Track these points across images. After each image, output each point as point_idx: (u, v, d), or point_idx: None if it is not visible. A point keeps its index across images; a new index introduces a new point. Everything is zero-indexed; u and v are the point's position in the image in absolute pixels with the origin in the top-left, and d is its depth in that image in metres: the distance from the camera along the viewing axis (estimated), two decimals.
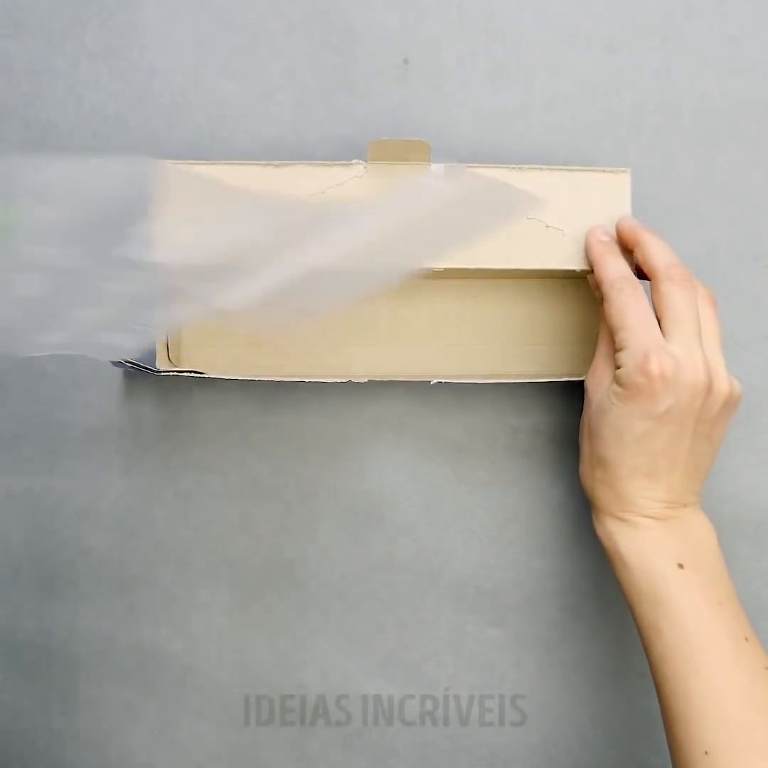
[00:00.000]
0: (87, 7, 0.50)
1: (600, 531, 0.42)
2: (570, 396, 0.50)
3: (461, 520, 0.50)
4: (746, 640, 0.38)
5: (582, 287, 0.49)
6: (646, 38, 0.49)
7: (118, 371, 0.50)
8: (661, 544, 0.40)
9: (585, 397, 0.43)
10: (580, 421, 0.45)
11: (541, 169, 0.45)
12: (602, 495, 0.42)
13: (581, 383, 0.45)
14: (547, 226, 0.45)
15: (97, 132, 0.50)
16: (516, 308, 0.50)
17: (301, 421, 0.50)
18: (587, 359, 0.49)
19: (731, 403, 0.41)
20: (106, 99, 0.50)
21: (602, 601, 0.50)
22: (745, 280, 0.49)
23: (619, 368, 0.40)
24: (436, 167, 0.45)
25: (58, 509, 0.51)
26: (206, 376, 0.46)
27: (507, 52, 0.49)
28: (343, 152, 0.50)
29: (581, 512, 0.50)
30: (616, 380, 0.40)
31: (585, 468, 0.43)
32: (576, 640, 0.50)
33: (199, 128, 0.50)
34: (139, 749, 0.51)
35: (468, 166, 0.44)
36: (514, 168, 0.45)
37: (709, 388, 0.40)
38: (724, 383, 0.41)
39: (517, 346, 0.50)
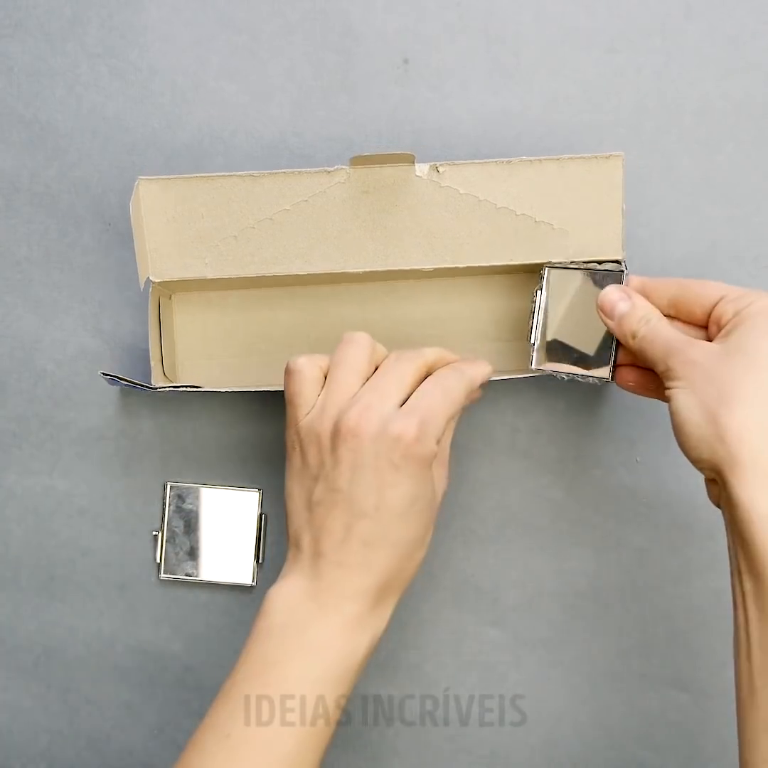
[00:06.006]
0: (87, 7, 0.50)
1: (752, 501, 0.35)
2: (570, 396, 0.50)
3: (461, 520, 0.50)
4: None
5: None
6: (646, 38, 0.49)
7: (118, 371, 0.50)
8: None
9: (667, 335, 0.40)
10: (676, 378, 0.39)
11: (531, 161, 0.44)
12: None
13: (581, 382, 0.45)
14: (536, 221, 0.45)
15: (97, 132, 0.50)
16: (508, 303, 0.50)
17: None
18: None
19: None
20: (106, 99, 0.50)
21: (602, 601, 0.50)
22: (745, 280, 0.49)
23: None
24: (420, 168, 0.44)
25: (58, 509, 0.51)
26: (202, 389, 0.45)
27: (507, 52, 0.49)
28: (343, 152, 0.50)
29: (581, 512, 0.50)
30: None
31: (746, 417, 0.36)
32: (576, 640, 0.50)
33: (199, 128, 0.50)
34: (139, 749, 0.51)
35: (454, 163, 0.44)
36: (502, 162, 0.44)
37: None
38: None
39: (510, 342, 0.50)
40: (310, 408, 0.40)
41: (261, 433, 0.51)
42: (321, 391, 0.41)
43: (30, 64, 0.50)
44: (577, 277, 0.45)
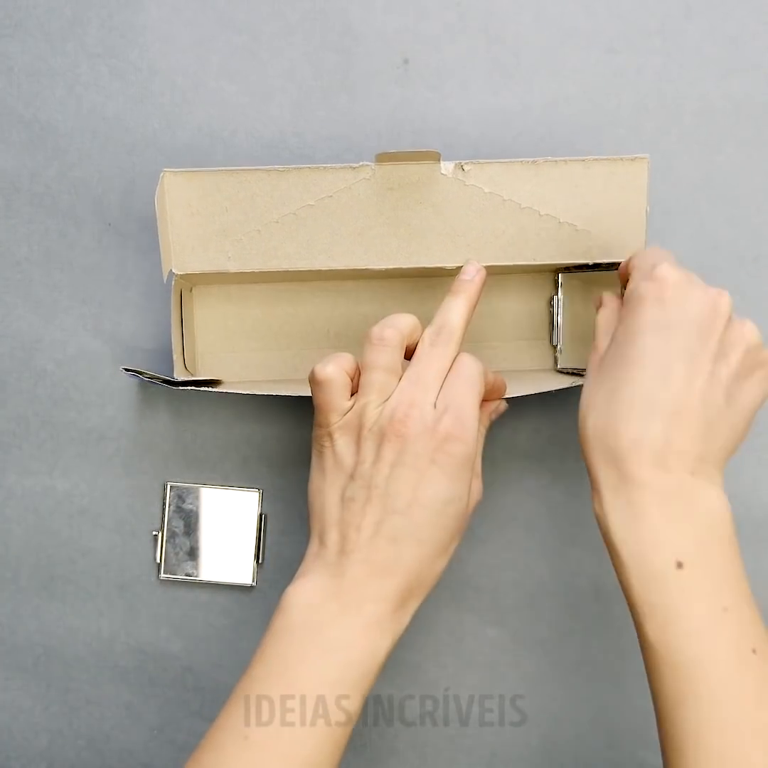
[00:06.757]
0: (87, 7, 0.50)
1: (596, 509, 0.37)
2: (570, 397, 0.50)
3: None
4: (754, 652, 0.33)
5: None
6: (646, 38, 0.49)
7: (117, 370, 0.50)
8: (659, 535, 0.34)
9: (594, 339, 0.41)
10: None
11: (556, 161, 0.44)
12: (598, 453, 0.36)
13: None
14: (559, 222, 0.45)
15: (97, 132, 0.50)
16: (529, 303, 0.50)
17: (301, 422, 0.50)
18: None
19: (756, 358, 0.36)
20: (106, 99, 0.50)
21: (602, 601, 0.50)
22: (745, 280, 0.49)
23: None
24: (445, 165, 0.44)
25: (58, 509, 0.51)
26: (223, 391, 0.45)
27: (507, 52, 0.49)
28: (343, 152, 0.50)
29: (581, 512, 0.50)
30: (626, 299, 0.38)
31: (583, 425, 0.37)
32: (576, 640, 0.50)
33: (199, 128, 0.50)
34: (139, 749, 0.51)
35: (479, 162, 0.44)
36: (527, 162, 0.44)
37: (725, 316, 0.36)
38: (746, 324, 0.36)
39: (530, 342, 0.50)
40: (344, 412, 0.39)
41: (262, 432, 0.51)
42: (351, 394, 0.40)
43: (30, 64, 0.50)
44: (585, 280, 0.46)
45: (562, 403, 0.50)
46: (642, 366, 0.35)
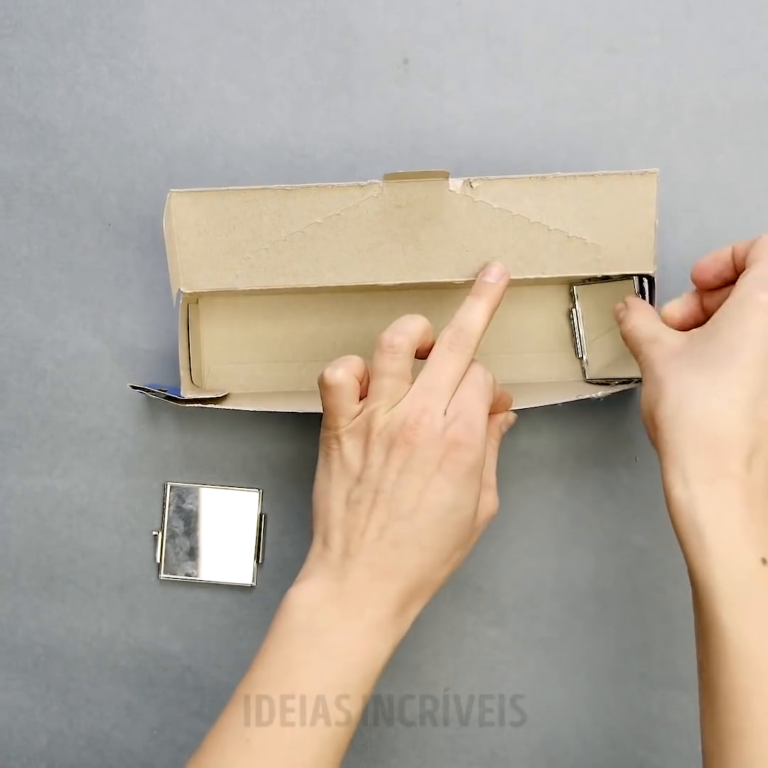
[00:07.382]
0: (87, 7, 0.50)
1: (678, 493, 0.36)
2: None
3: None
4: None
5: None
6: (646, 38, 0.49)
7: (118, 371, 0.50)
8: (748, 528, 0.35)
9: (639, 338, 0.41)
10: (650, 359, 0.40)
11: (565, 177, 0.44)
12: (692, 440, 0.36)
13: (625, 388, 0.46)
14: (569, 236, 0.45)
15: (97, 132, 0.50)
16: (538, 316, 0.50)
17: (302, 422, 0.50)
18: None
19: None
20: (106, 99, 0.50)
21: (602, 601, 0.50)
22: None
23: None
24: (453, 182, 0.44)
25: (58, 509, 0.51)
26: (228, 408, 0.45)
27: (507, 52, 0.49)
28: (343, 152, 0.50)
29: (581, 511, 0.50)
30: (738, 298, 0.37)
31: (676, 411, 0.37)
32: (576, 640, 0.50)
33: (199, 128, 0.50)
34: (139, 749, 0.51)
35: (488, 179, 0.44)
36: (536, 178, 0.44)
37: None
38: None
39: (537, 354, 0.50)
40: (353, 416, 0.39)
41: (261, 432, 0.51)
42: (360, 398, 0.40)
43: (30, 64, 0.50)
44: (603, 290, 0.47)
45: (563, 403, 0.50)
46: (753, 371, 0.36)
